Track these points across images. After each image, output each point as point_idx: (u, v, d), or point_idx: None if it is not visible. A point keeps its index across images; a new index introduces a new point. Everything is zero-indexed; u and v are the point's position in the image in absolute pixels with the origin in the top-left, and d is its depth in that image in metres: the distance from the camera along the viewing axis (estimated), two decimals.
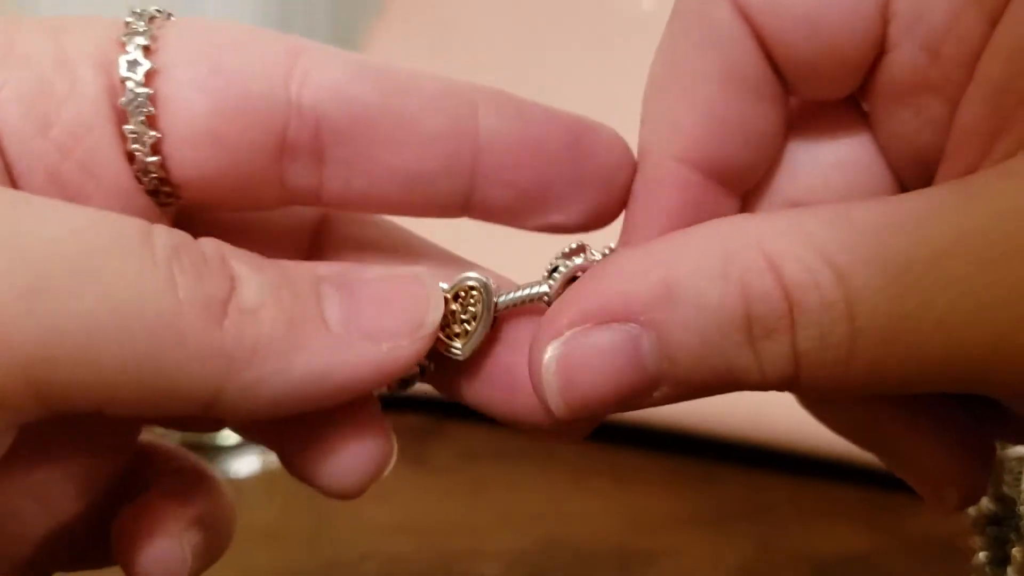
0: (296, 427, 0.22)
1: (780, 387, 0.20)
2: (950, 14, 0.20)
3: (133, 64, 0.20)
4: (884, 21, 0.21)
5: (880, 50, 0.21)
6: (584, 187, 0.22)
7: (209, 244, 0.20)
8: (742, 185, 0.23)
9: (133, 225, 0.19)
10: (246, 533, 0.25)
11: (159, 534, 0.23)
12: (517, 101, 0.22)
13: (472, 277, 0.22)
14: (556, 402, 0.20)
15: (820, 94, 0.22)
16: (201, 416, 0.19)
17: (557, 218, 0.23)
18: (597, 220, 0.23)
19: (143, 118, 0.20)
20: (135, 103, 0.20)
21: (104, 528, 0.24)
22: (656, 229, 0.22)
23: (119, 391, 0.18)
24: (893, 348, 0.19)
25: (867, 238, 0.19)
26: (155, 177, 0.21)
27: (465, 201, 0.22)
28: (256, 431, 0.24)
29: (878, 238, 0.19)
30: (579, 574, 0.41)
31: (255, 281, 0.19)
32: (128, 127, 0.20)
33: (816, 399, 0.25)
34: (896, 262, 0.19)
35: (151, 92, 0.20)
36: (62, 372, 0.17)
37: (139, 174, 0.21)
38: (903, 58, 0.21)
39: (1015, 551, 0.27)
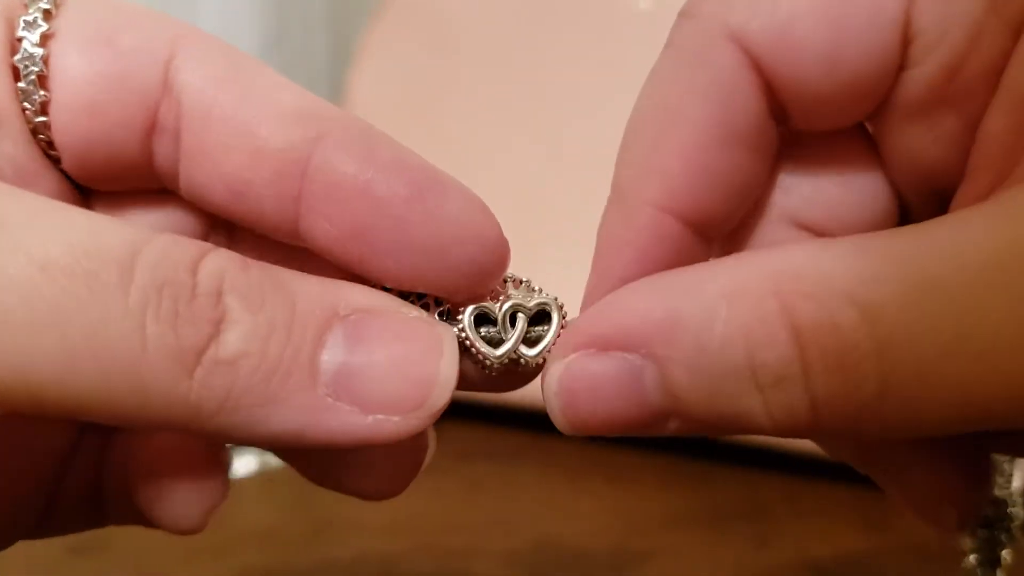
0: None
1: (796, 434, 0.19)
2: (974, 28, 0.20)
3: (31, 24, 0.21)
4: (904, 43, 0.20)
5: (898, 73, 0.20)
6: (421, 245, 0.20)
7: (212, 266, 0.19)
8: (719, 232, 0.22)
9: (116, 255, 0.18)
10: (243, 533, 0.25)
11: (193, 464, 0.22)
12: (373, 141, 0.21)
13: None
14: (559, 421, 0.20)
15: (830, 125, 0.22)
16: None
17: (390, 269, 0.21)
18: (437, 283, 0.21)
19: (34, 77, 0.21)
20: (28, 62, 0.21)
21: (62, 492, 0.23)
22: (627, 276, 0.21)
23: (82, 415, 0.18)
24: (929, 385, 0.17)
25: (892, 266, 0.18)
26: (43, 139, 0.21)
27: (293, 227, 0.21)
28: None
29: (905, 265, 0.18)
30: (575, 574, 0.41)
31: (247, 323, 0.18)
32: (21, 84, 0.21)
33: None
34: (928, 290, 0.17)
35: (44, 53, 0.21)
36: (24, 396, 0.17)
37: (32, 133, 0.21)
38: (921, 76, 0.20)
39: (1005, 553, 0.27)
